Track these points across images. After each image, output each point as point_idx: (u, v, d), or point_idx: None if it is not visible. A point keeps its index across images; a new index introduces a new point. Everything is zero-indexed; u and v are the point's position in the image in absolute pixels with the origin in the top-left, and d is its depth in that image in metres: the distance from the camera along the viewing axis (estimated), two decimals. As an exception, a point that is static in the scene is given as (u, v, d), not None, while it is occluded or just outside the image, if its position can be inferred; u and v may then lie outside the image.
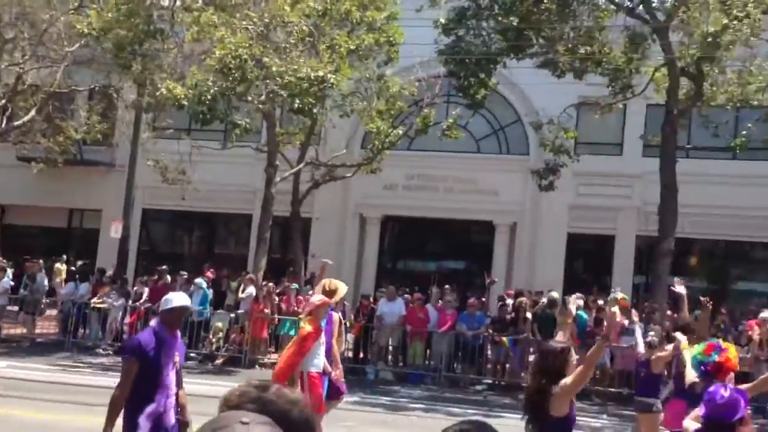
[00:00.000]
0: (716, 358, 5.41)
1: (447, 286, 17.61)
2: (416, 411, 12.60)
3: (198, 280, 16.25)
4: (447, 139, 19.49)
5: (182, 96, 15.89)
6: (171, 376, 5.57)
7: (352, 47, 17.92)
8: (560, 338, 5.55)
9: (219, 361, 15.81)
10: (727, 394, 4.28)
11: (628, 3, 17.85)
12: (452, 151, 21.85)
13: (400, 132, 19.88)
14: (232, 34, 15.86)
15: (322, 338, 7.84)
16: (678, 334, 8.10)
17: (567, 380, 4.91)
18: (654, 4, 17.47)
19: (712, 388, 4.41)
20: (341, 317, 9.06)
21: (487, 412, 12.61)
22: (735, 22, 15.60)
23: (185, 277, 17.29)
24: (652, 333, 12.35)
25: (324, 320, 7.95)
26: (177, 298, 5.80)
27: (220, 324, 15.99)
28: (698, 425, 4.75)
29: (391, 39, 19.21)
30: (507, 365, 15.26)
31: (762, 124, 18.03)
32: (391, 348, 15.87)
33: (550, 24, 16.97)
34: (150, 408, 5.37)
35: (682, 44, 17.11)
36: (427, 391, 14.32)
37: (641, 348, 9.52)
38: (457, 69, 17.66)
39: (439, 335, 15.27)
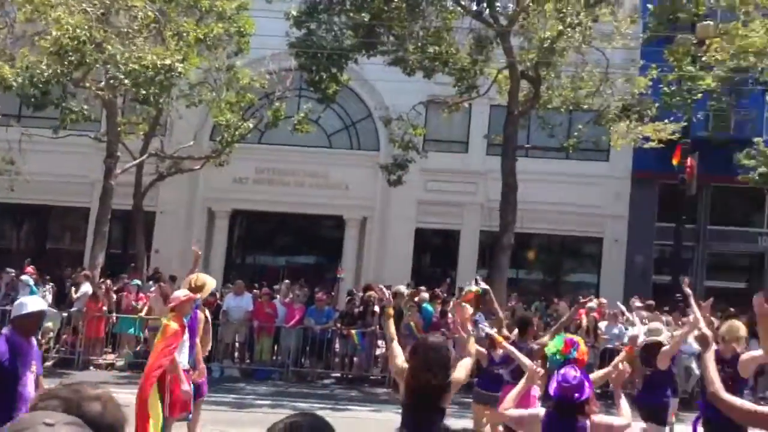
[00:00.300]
0: (575, 354, 5.79)
1: (287, 281, 17.56)
2: (263, 407, 12.41)
3: (24, 277, 15.11)
4: (298, 133, 19.40)
5: (10, 76, 14.69)
6: (29, 386, 5.21)
7: (200, 36, 17.41)
8: (389, 330, 5.65)
9: (49, 363, 14.74)
10: (578, 375, 4.59)
11: (474, 6, 18.54)
12: (303, 146, 21.77)
13: (251, 125, 19.57)
14: (70, 15, 14.86)
15: (186, 335, 7.60)
16: (486, 328, 8.58)
17: (460, 374, 5.05)
18: (498, 9, 18.26)
19: (562, 371, 4.67)
20: (207, 315, 8.73)
21: (335, 406, 12.68)
22: (569, 29, 16.64)
23: (12, 274, 16.02)
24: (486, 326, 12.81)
25: (189, 317, 7.70)
26: (32, 303, 5.45)
27: (50, 324, 14.92)
28: (519, 411, 4.93)
29: (242, 29, 18.83)
30: (355, 359, 15.40)
31: (592, 126, 19.36)
32: (237, 344, 15.54)
33: (401, 22, 17.28)
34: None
35: (523, 49, 18.01)
36: (274, 387, 14.16)
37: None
38: (309, 63, 17.59)
39: (287, 330, 15.14)
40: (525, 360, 7.27)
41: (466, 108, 20.82)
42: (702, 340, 4.59)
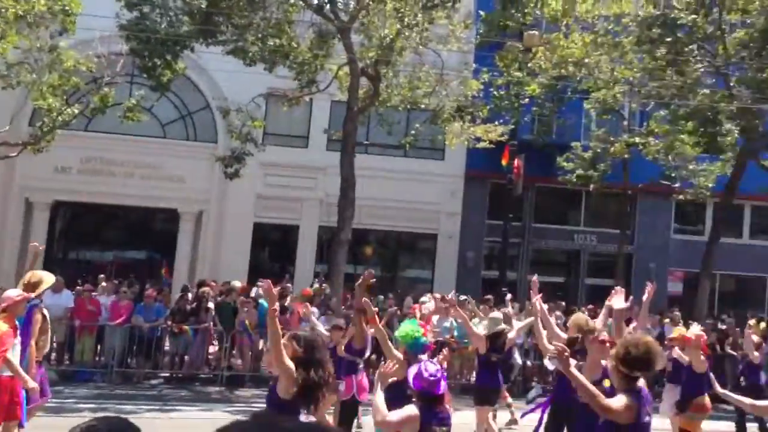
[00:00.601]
0: (430, 337, 6.12)
1: (102, 276, 16.68)
2: (84, 411, 11.64)
3: None
4: (128, 121, 18.37)
5: None
6: None
7: (20, 12, 16.03)
8: (276, 329, 5.60)
9: None
10: (438, 369, 4.90)
11: (315, 1, 18.47)
12: (135, 135, 20.72)
13: (76, 110, 18.27)
14: None
15: (18, 338, 7.04)
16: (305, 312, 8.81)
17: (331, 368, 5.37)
18: (339, 5, 18.31)
19: (424, 366, 4.89)
20: (45, 314, 8.01)
21: (162, 407, 12.19)
22: (407, 29, 17.02)
23: None
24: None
25: (22, 318, 7.15)
26: None
27: None
28: (399, 414, 5.03)
29: (67, 8, 17.52)
30: (186, 357, 14.85)
31: (428, 125, 19.96)
32: (55, 345, 14.46)
33: (240, 11, 16.87)
34: None
35: (363, 46, 18.20)
36: (97, 389, 13.34)
37: (322, 329, 9.88)
38: (141, 48, 16.73)
39: (112, 328, 14.31)
40: (392, 346, 7.36)
41: (306, 102, 20.73)
42: (564, 360, 4.86)
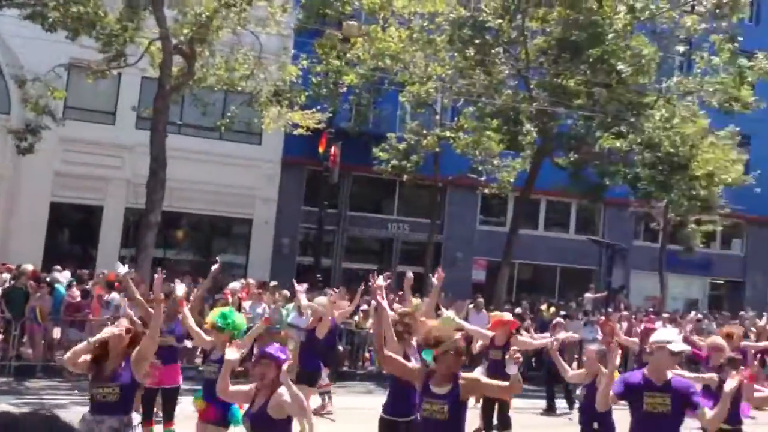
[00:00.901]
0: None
1: None
2: None
3: None
4: None
5: None
6: None
7: None
8: (158, 320, 5.55)
9: None
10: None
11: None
12: None
13: None
14: None
15: None
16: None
17: None
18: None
19: (277, 346, 5.40)
20: None
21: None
22: (224, 8, 16.52)
23: None
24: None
25: None
26: None
27: None
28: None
29: None
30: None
31: (245, 108, 19.53)
32: None
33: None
34: None
35: (177, 21, 17.41)
36: None
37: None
38: None
39: None
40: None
41: (114, 76, 19.49)
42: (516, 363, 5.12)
